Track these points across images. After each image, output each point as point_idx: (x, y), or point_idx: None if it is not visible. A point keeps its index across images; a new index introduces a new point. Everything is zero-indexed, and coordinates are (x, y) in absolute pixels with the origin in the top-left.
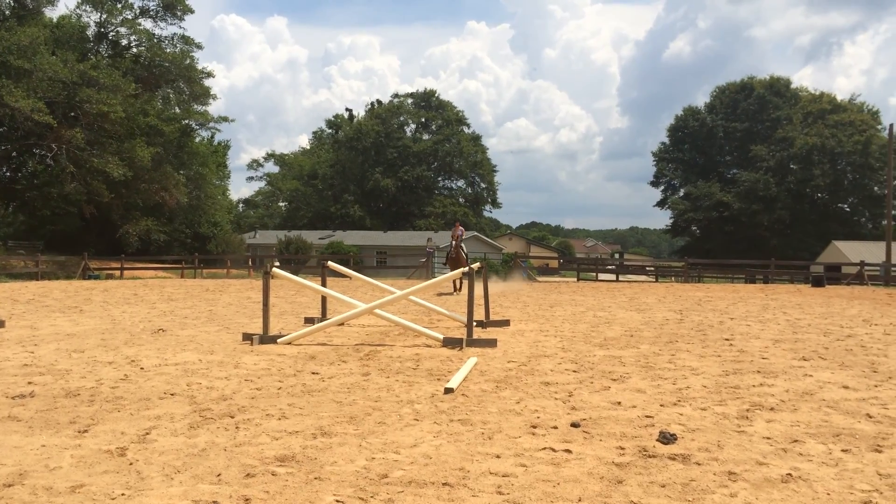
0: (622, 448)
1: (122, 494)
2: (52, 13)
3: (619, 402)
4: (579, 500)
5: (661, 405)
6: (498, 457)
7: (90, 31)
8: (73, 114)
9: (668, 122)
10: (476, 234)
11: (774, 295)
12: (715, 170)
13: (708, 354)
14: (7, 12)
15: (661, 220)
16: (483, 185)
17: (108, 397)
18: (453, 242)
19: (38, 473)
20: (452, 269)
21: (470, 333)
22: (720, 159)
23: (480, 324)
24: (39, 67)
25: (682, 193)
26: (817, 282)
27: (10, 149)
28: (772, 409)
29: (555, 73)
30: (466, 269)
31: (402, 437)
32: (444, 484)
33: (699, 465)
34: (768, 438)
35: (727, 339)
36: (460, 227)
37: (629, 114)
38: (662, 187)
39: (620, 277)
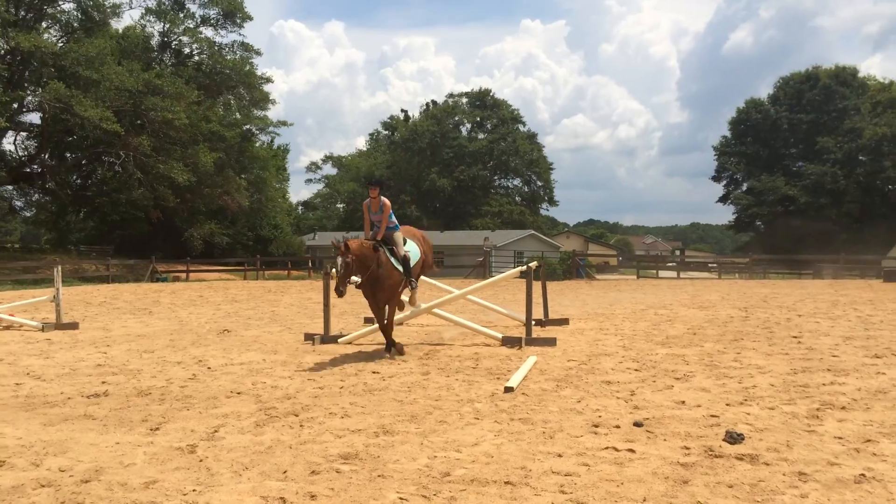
0: (687, 448)
1: (194, 490)
2: (118, 24)
3: (683, 402)
4: (644, 500)
5: (727, 404)
6: (560, 456)
7: (154, 41)
8: (139, 121)
9: (730, 116)
10: (533, 232)
11: (844, 291)
12: (779, 163)
13: (775, 352)
14: (76, 24)
15: (724, 215)
16: (539, 184)
17: (177, 396)
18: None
19: (114, 470)
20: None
21: (529, 332)
22: (785, 152)
23: (539, 322)
24: (107, 77)
25: (745, 188)
26: (890, 277)
27: (80, 157)
28: (843, 407)
29: (612, 69)
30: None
31: (464, 436)
32: (506, 482)
33: (768, 465)
34: (840, 438)
35: (795, 337)
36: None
37: (689, 108)
38: (724, 182)
39: (682, 274)
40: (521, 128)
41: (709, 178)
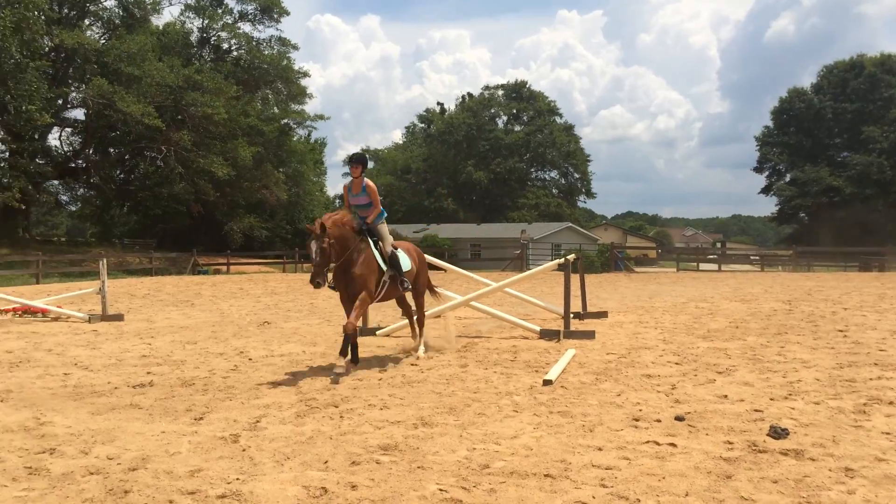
0: (730, 442)
1: (237, 479)
2: (158, 21)
3: (726, 396)
4: (686, 495)
5: (771, 399)
6: (600, 449)
7: (193, 37)
8: (179, 117)
9: (772, 105)
10: (570, 224)
11: (891, 283)
12: (824, 153)
13: (820, 346)
14: (117, 21)
15: (766, 207)
16: (577, 176)
17: (220, 387)
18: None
19: (159, 458)
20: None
21: (567, 325)
22: (829, 142)
23: (577, 315)
24: (148, 73)
25: (788, 179)
26: None
27: (123, 152)
28: (891, 403)
29: (651, 59)
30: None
31: (502, 429)
32: (545, 475)
33: (813, 460)
34: (888, 434)
35: (841, 331)
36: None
37: (730, 98)
38: (767, 173)
39: (723, 267)
40: (557, 119)
41: (751, 168)
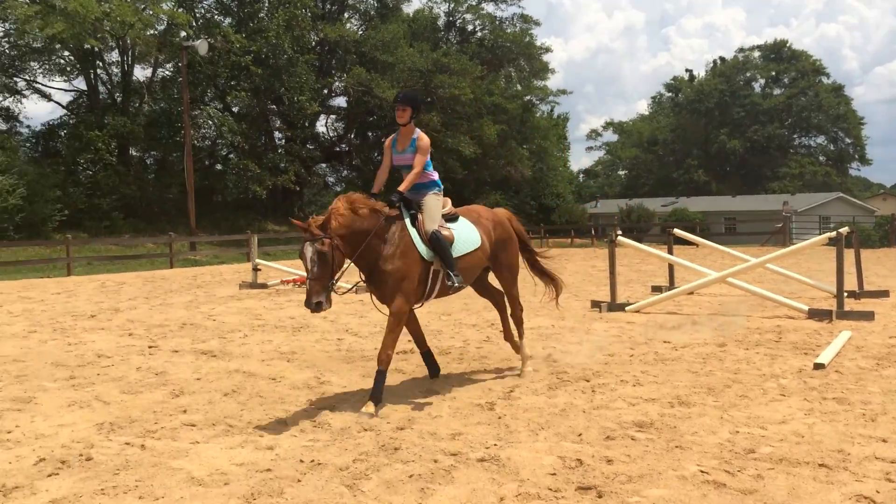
0: None
1: (495, 444)
2: (408, 9)
3: None
4: None
5: None
6: (884, 441)
7: (440, 22)
8: (429, 99)
9: None
10: (841, 195)
11: None
12: None
13: None
14: (372, 13)
15: None
16: (848, 141)
17: (474, 356)
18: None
19: (423, 420)
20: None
21: (841, 304)
22: None
23: (852, 294)
24: (400, 60)
25: None
26: None
27: (379, 135)
28: None
29: None
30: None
31: (768, 413)
32: (820, 465)
33: None
34: None
35: None
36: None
37: None
38: None
39: None
40: (824, 80)
41: None
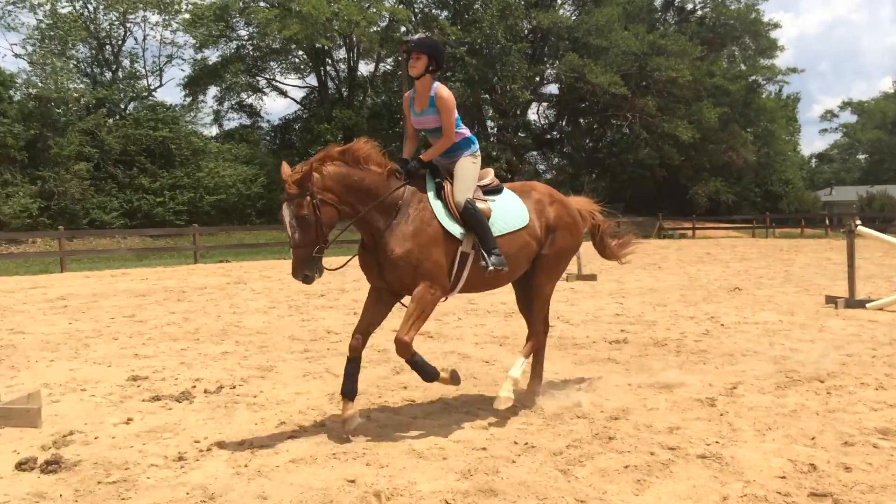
0: None
1: (717, 442)
2: None
3: None
4: None
5: None
6: None
7: (658, 2)
8: (644, 83)
9: None
10: None
11: None
12: None
13: None
14: None
15: None
16: None
17: (692, 350)
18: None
19: (639, 412)
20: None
21: None
22: None
23: None
24: (614, 44)
25: None
26: None
27: (591, 121)
28: None
29: None
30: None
31: None
32: None
33: None
34: None
35: None
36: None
37: None
38: None
39: None
40: None
41: None
